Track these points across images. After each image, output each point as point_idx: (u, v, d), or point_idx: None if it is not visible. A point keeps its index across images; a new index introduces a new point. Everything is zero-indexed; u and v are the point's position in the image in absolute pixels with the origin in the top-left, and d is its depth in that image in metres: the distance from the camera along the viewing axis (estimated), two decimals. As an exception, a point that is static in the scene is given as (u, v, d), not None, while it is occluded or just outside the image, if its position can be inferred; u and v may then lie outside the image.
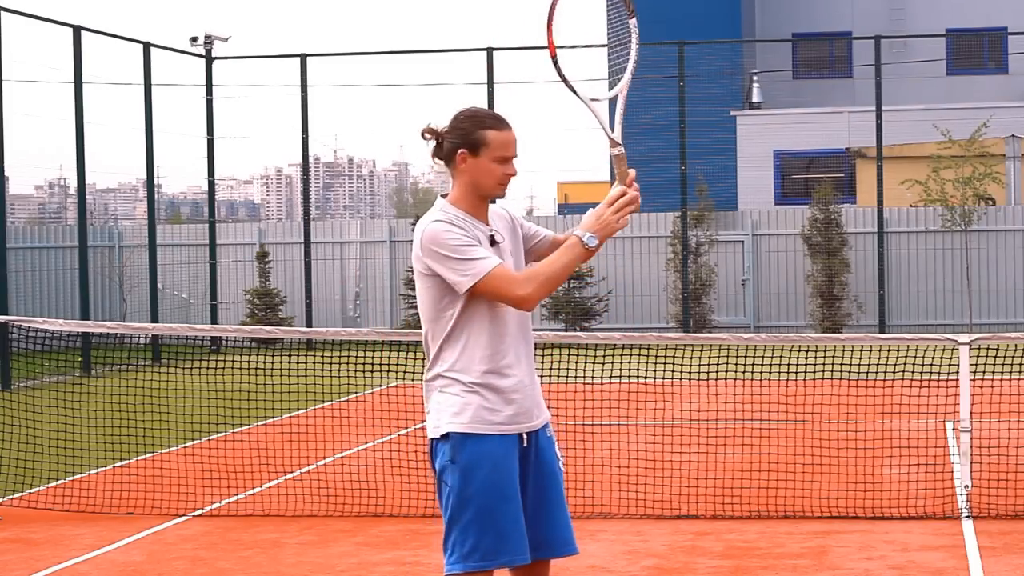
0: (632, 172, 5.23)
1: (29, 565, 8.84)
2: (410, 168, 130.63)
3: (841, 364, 13.55)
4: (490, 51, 25.43)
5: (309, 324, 26.44)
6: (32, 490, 11.28)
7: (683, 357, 13.15)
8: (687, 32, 28.40)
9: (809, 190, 29.82)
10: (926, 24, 36.44)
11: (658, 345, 13.13)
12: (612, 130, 5.31)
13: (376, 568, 8.61)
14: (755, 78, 35.20)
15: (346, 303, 28.47)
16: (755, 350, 16.72)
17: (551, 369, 14.21)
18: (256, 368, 14.24)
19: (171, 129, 31.79)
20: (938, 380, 13.35)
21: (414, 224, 26.89)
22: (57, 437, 12.72)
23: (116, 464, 12.36)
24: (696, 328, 25.74)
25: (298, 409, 15.86)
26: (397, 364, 15.44)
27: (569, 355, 15.92)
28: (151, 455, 12.84)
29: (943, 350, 12.09)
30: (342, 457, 12.55)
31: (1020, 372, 13.83)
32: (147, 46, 24.32)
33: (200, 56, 26.40)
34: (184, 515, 10.28)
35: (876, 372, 14.83)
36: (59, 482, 11.54)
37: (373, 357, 14.20)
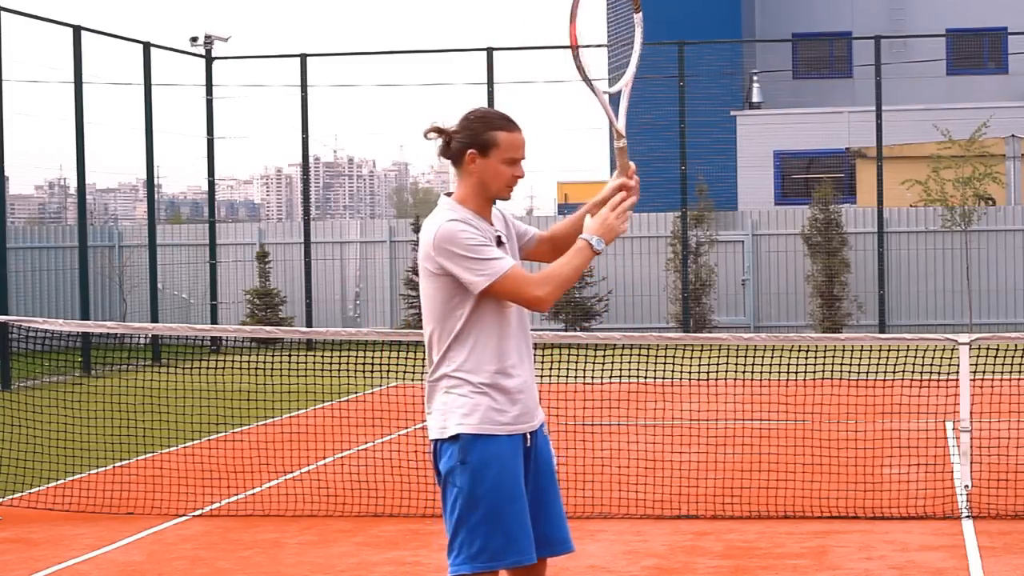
0: (632, 164, 5.35)
1: (29, 565, 8.84)
2: (410, 168, 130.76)
3: (841, 364, 13.55)
4: (490, 51, 25.43)
5: (309, 324, 26.44)
6: (32, 490, 11.28)
7: (683, 357, 13.15)
8: (687, 32, 28.39)
9: (809, 190, 29.82)
10: (926, 24, 36.44)
11: (658, 345, 13.13)
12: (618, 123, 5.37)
13: (376, 568, 8.61)
14: (755, 78, 35.20)
15: (346, 303, 28.47)
16: (755, 350, 16.72)
17: (551, 369, 14.21)
18: (256, 368, 14.24)
19: (171, 129, 31.82)
20: (938, 380, 13.35)
21: (414, 224, 26.93)
22: (57, 437, 12.72)
23: (116, 464, 12.36)
24: (696, 328, 25.74)
25: (298, 409, 15.86)
26: (397, 364, 15.45)
27: (569, 355, 15.92)
28: (151, 455, 12.84)
29: (943, 350, 12.09)
30: (342, 457, 12.55)
31: (1020, 372, 13.83)
32: (147, 46, 24.32)
33: (200, 56, 26.41)
34: (184, 515, 10.28)
35: (876, 372, 14.83)
36: (59, 482, 11.54)
37: (373, 357, 14.20)
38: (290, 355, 17.74)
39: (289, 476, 11.77)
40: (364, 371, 14.20)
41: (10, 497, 10.96)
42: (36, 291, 24.87)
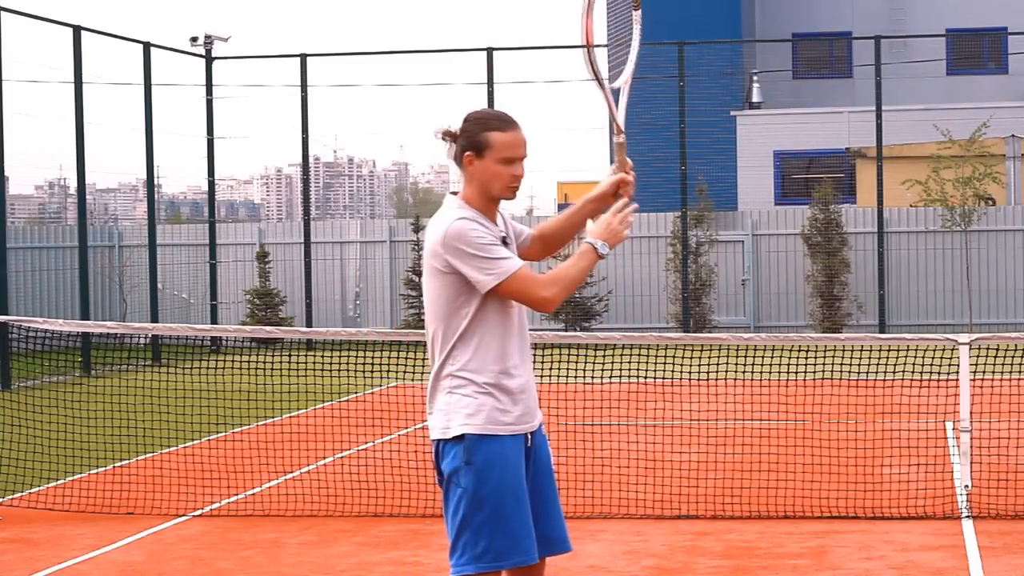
0: (629, 161, 5.39)
1: (29, 565, 8.84)
2: (410, 168, 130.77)
3: (841, 364, 13.55)
4: (490, 51, 25.43)
5: (309, 324, 26.44)
6: (32, 490, 11.28)
7: (683, 357, 13.15)
8: (687, 32, 28.39)
9: (809, 190, 29.82)
10: (926, 24, 36.44)
11: (658, 345, 13.13)
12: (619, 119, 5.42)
13: (376, 568, 8.61)
14: (755, 78, 35.19)
15: (346, 303, 28.47)
16: (755, 350, 16.72)
17: (551, 369, 14.21)
18: (256, 368, 14.24)
19: (171, 129, 31.85)
20: (938, 380, 13.35)
21: (414, 224, 26.92)
22: (57, 437, 12.71)
23: (116, 464, 12.36)
24: (696, 328, 25.75)
25: (298, 409, 15.86)
26: (397, 364, 15.44)
27: (569, 355, 15.92)
28: (151, 455, 12.84)
29: (943, 350, 12.09)
30: (342, 457, 12.55)
31: (1020, 372, 13.83)
32: (147, 46, 24.32)
33: (200, 56, 26.41)
34: (184, 515, 10.28)
35: (876, 372, 14.84)
36: (59, 482, 11.54)
37: (373, 357, 14.20)
38: (290, 355, 17.75)
39: (289, 476, 11.77)
40: (364, 371, 14.20)
41: (10, 497, 10.96)
42: (36, 291, 24.87)
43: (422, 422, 13.80)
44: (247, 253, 27.95)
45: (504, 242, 5.26)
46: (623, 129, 5.43)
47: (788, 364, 12.35)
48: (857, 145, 31.23)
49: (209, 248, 26.61)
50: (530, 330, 5.48)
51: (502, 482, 5.13)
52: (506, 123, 5.22)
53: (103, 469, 12.12)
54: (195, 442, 13.38)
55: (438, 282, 5.19)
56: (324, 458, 12.43)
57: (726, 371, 15.23)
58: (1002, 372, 14.83)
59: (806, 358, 12.84)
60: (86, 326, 14.78)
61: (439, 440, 5.23)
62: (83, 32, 22.27)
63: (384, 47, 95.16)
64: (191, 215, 71.81)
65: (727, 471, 11.53)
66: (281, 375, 15.90)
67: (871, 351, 17.12)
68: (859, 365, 14.77)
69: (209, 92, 26.38)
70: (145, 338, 23.67)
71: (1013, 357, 13.46)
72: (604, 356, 16.28)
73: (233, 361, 16.01)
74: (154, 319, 24.46)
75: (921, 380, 13.05)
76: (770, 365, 13.31)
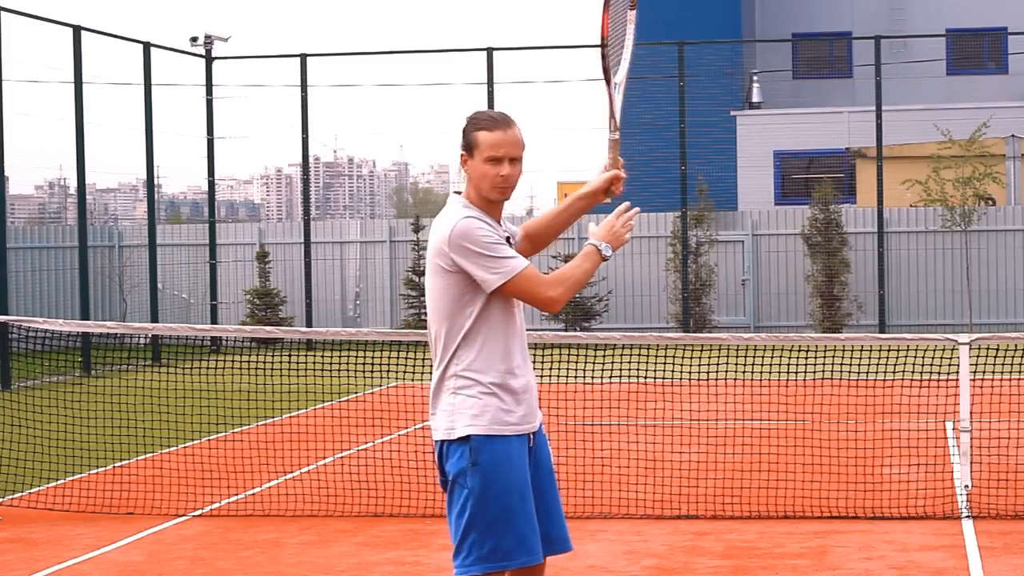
0: (620, 159, 5.44)
1: (29, 565, 8.84)
2: (410, 168, 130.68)
3: (841, 364, 13.55)
4: (490, 51, 25.42)
5: (309, 324, 26.44)
6: (32, 490, 11.28)
7: (683, 357, 13.15)
8: (687, 32, 28.39)
9: (809, 190, 29.82)
10: (926, 24, 36.44)
11: (658, 345, 13.14)
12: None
13: (376, 568, 8.61)
14: (755, 78, 35.20)
15: (346, 303, 28.47)
16: (755, 350, 16.72)
17: (551, 369, 14.21)
18: (256, 368, 14.24)
19: (171, 129, 31.82)
20: (938, 380, 13.35)
21: (414, 224, 26.92)
22: (57, 437, 12.72)
23: (116, 464, 12.36)
24: (696, 328, 25.75)
25: (298, 409, 15.86)
26: (397, 364, 15.45)
27: (569, 355, 15.92)
28: (151, 455, 12.84)
29: (943, 350, 12.10)
30: (342, 457, 12.55)
31: (1020, 372, 13.83)
32: (147, 46, 24.32)
33: (200, 56, 26.41)
34: (184, 515, 10.28)
35: (876, 372, 14.84)
36: (59, 482, 11.54)
37: (373, 357, 14.20)
38: (290, 355, 17.75)
39: (289, 476, 11.77)
40: (364, 371, 14.20)
41: (10, 497, 10.96)
42: (36, 291, 24.87)
43: (422, 422, 13.80)
44: (247, 253, 27.96)
45: (508, 241, 5.27)
46: (619, 126, 5.47)
47: (788, 364, 12.35)
48: (857, 145, 31.24)
49: (209, 248, 26.61)
50: (530, 330, 5.49)
51: (508, 482, 5.13)
52: (496, 123, 5.22)
53: (103, 469, 12.12)
54: (195, 442, 13.38)
55: (443, 281, 5.18)
56: (324, 458, 12.43)
57: (726, 371, 15.23)
58: (1002, 372, 14.83)
59: (806, 358, 12.85)
60: (86, 326, 14.78)
61: (443, 441, 5.21)
62: (83, 32, 22.27)
63: (384, 47, 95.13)
64: (191, 215, 71.81)
65: (727, 471, 11.53)
66: (281, 375, 15.90)
67: (871, 351, 17.12)
68: (859, 365, 14.78)
69: (209, 92, 26.38)
70: (145, 338, 23.67)
71: (1013, 357, 13.46)
72: (604, 356, 16.28)
73: (233, 361, 16.01)
74: (154, 319, 24.46)
75: (921, 380, 13.05)
76: (770, 365, 13.32)
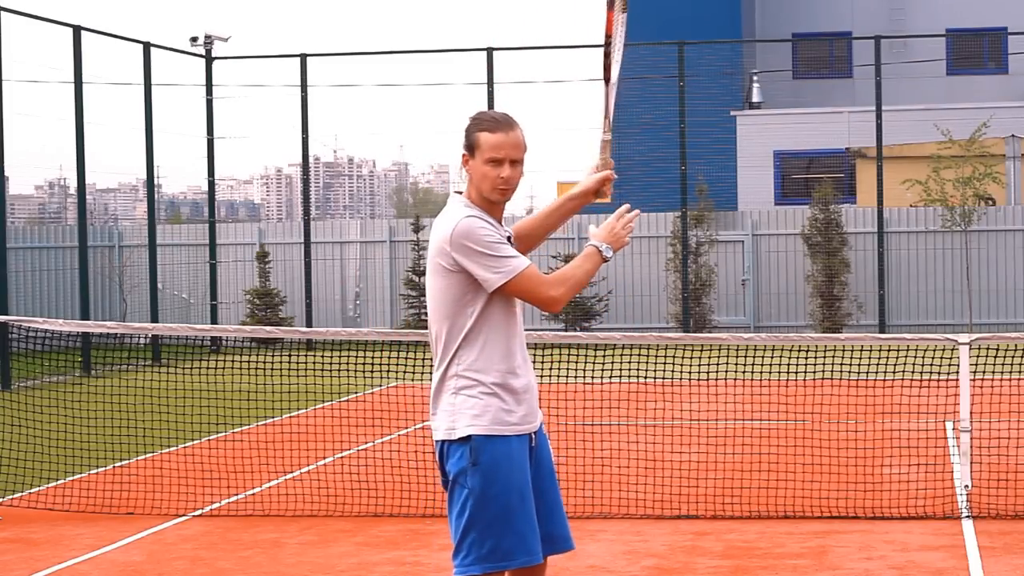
0: (611, 160, 5.51)
1: (29, 565, 8.84)
2: (410, 168, 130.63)
3: (841, 364, 13.56)
4: (490, 51, 25.42)
5: (309, 324, 26.44)
6: (32, 490, 11.28)
7: (683, 357, 13.16)
8: (687, 32, 28.37)
9: (809, 190, 29.82)
10: (926, 24, 36.44)
11: (658, 345, 13.14)
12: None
13: (376, 568, 8.61)
14: (755, 78, 35.20)
15: (346, 303, 28.47)
16: (755, 350, 16.73)
17: (551, 369, 14.21)
18: (256, 368, 14.25)
19: (171, 129, 31.83)
20: (938, 380, 13.35)
21: (414, 224, 26.91)
22: (57, 437, 12.72)
23: (116, 464, 12.36)
24: (696, 328, 25.75)
25: (298, 409, 15.86)
26: (397, 364, 15.45)
27: (569, 355, 15.92)
28: (151, 455, 12.84)
29: (943, 350, 12.10)
30: (342, 457, 12.55)
31: (1020, 372, 13.83)
32: (147, 46, 24.32)
33: (200, 56, 26.41)
34: (184, 515, 10.28)
35: (876, 372, 14.84)
36: (59, 482, 11.54)
37: (373, 357, 14.21)
38: (290, 355, 17.75)
39: (289, 476, 11.77)
40: (364, 371, 14.20)
41: (10, 497, 10.96)
42: (36, 291, 24.87)
43: (422, 422, 13.80)
44: (247, 253, 27.96)
45: (509, 241, 5.27)
46: (612, 126, 5.51)
47: (788, 364, 12.35)
48: (857, 145, 31.24)
49: (209, 248, 26.61)
50: (530, 330, 5.49)
51: (509, 482, 5.13)
52: (498, 124, 5.22)
53: (103, 469, 12.12)
54: (195, 442, 13.38)
55: (444, 280, 5.18)
56: (324, 458, 12.43)
57: (726, 371, 15.23)
58: (1002, 372, 14.83)
59: (806, 358, 12.85)
60: (86, 326, 14.78)
61: (444, 441, 5.21)
62: (83, 32, 22.27)
63: (384, 47, 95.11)
64: (191, 215, 71.80)
65: (727, 471, 11.53)
66: (281, 375, 15.90)
67: (871, 351, 17.12)
68: (859, 365, 14.78)
69: (209, 92, 26.38)
70: (145, 338, 23.67)
71: (1013, 357, 13.46)
72: (604, 356, 16.29)
73: (233, 361, 16.01)
74: (154, 319, 24.46)
75: (921, 380, 13.06)
76: (770, 365, 13.32)
